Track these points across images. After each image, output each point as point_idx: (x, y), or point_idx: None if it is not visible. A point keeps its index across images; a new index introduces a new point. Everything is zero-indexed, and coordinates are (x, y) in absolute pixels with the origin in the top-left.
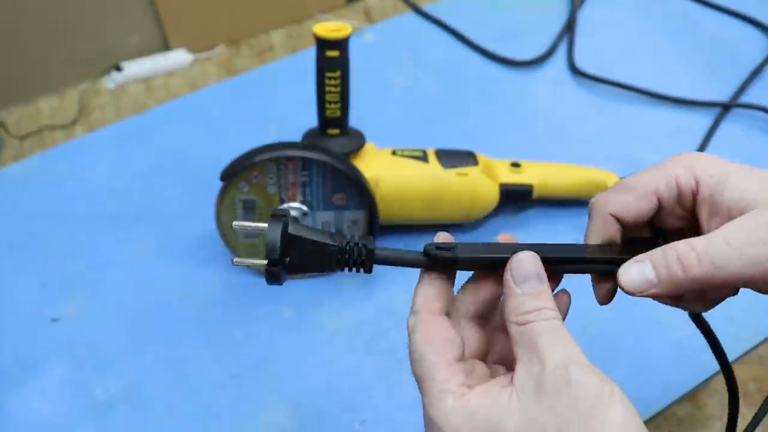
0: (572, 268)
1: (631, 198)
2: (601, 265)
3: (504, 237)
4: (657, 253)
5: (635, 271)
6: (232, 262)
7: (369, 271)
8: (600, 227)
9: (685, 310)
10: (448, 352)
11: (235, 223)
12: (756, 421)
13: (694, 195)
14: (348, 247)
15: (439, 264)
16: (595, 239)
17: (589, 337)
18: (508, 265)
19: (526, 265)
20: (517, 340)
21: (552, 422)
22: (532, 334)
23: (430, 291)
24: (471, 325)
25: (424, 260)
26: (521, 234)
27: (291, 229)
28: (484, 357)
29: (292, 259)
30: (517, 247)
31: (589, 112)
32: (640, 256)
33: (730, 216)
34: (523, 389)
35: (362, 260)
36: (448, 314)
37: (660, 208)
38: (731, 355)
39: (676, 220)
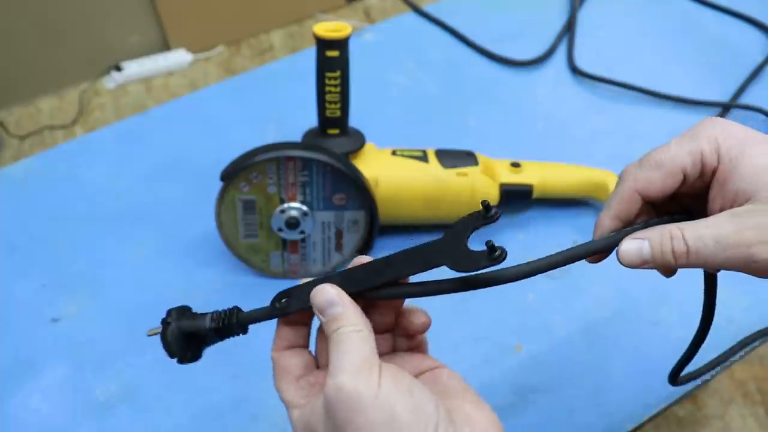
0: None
1: (659, 175)
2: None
3: (360, 260)
4: (656, 234)
5: (634, 246)
6: (147, 333)
7: (245, 332)
8: (623, 204)
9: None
10: (289, 373)
11: (148, 330)
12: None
13: (714, 173)
14: (222, 322)
15: (281, 313)
16: (615, 212)
17: (589, 337)
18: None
19: (318, 298)
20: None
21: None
22: (331, 347)
23: (279, 332)
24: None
25: (270, 311)
26: (522, 234)
27: (168, 335)
28: None
29: (190, 346)
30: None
31: (589, 112)
32: (641, 233)
33: (733, 201)
34: (325, 396)
35: (235, 324)
36: (304, 343)
37: (683, 183)
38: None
39: (690, 190)
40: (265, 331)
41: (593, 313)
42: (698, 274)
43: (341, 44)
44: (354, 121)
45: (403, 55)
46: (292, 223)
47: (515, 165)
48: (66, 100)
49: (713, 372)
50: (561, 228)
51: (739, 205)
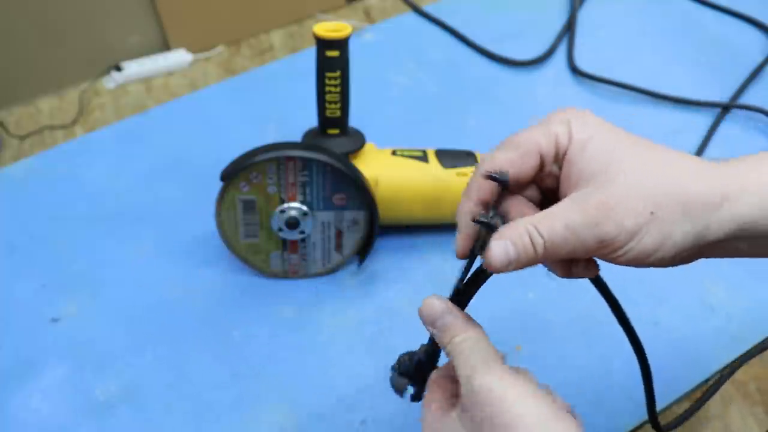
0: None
1: (516, 156)
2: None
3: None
4: (515, 233)
5: (501, 249)
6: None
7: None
8: (481, 185)
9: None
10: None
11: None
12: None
13: (565, 154)
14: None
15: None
16: (475, 196)
17: (589, 337)
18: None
19: (425, 311)
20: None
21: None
22: (454, 360)
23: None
24: None
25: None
26: None
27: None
28: None
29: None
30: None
31: None
32: (498, 233)
33: (576, 184)
34: (462, 407)
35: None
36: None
37: (541, 167)
38: (732, 354)
39: (551, 180)
40: (265, 331)
41: (593, 313)
42: (698, 275)
43: (341, 44)
44: (354, 121)
45: (403, 55)
46: (292, 223)
47: None
48: (66, 100)
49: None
50: None
51: (584, 188)
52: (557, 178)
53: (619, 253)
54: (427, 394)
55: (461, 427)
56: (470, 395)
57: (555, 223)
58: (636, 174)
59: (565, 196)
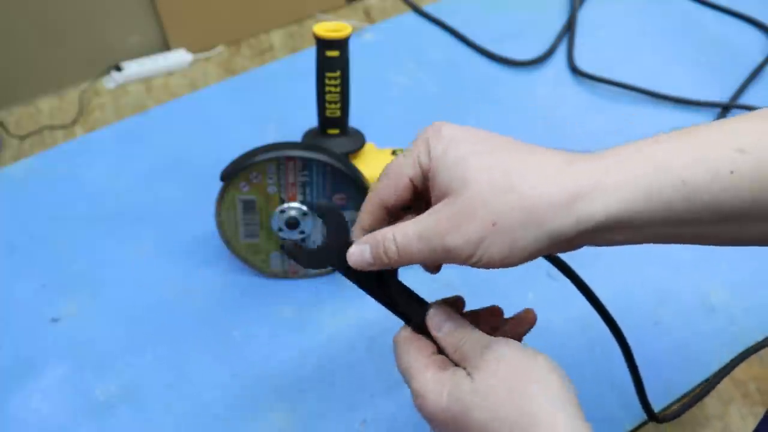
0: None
1: (390, 184)
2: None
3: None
4: (374, 239)
5: (357, 251)
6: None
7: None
8: (370, 214)
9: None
10: (425, 349)
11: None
12: None
13: (428, 173)
14: None
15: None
16: (366, 225)
17: (589, 338)
18: (427, 320)
19: (435, 319)
20: (456, 360)
21: (494, 392)
22: (462, 351)
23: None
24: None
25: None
26: None
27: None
28: None
29: None
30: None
31: (589, 112)
32: (364, 238)
33: (438, 198)
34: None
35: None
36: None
37: (416, 188)
38: (732, 354)
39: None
40: (265, 331)
41: (593, 313)
42: (699, 275)
43: (341, 44)
44: (354, 121)
45: (403, 55)
46: (292, 223)
47: None
48: (66, 100)
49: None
50: None
51: (442, 201)
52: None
53: (469, 262)
54: (409, 353)
55: (474, 387)
56: (492, 360)
57: (409, 232)
58: (481, 185)
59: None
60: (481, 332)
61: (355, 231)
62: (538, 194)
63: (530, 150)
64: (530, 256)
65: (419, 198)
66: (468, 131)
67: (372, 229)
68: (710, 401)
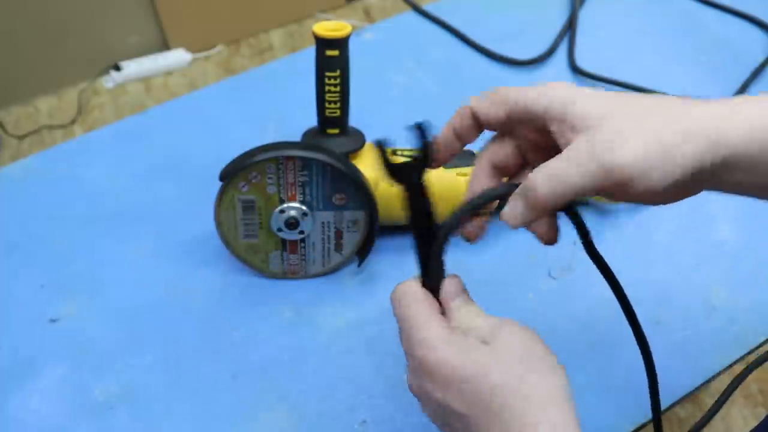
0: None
1: (488, 103)
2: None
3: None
4: (521, 187)
5: (507, 209)
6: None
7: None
8: (457, 119)
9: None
10: (430, 305)
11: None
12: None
13: (545, 115)
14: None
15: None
16: (449, 127)
17: (589, 338)
18: (441, 289)
19: (451, 288)
20: (462, 327)
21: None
22: (467, 330)
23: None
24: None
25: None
26: (521, 234)
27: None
28: None
29: None
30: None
31: None
32: (513, 195)
33: (578, 132)
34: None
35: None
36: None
37: (510, 121)
38: (734, 355)
39: (535, 152)
40: (265, 331)
41: (593, 313)
42: (700, 275)
43: (341, 44)
44: (354, 120)
45: (403, 54)
46: (292, 223)
47: None
48: (65, 100)
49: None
50: (561, 228)
51: (584, 133)
52: (539, 144)
53: (627, 183)
54: (416, 303)
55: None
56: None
57: (558, 163)
58: (632, 110)
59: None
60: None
61: (442, 131)
62: (691, 116)
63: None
64: (679, 182)
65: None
66: (576, 87)
67: (457, 130)
68: (711, 402)
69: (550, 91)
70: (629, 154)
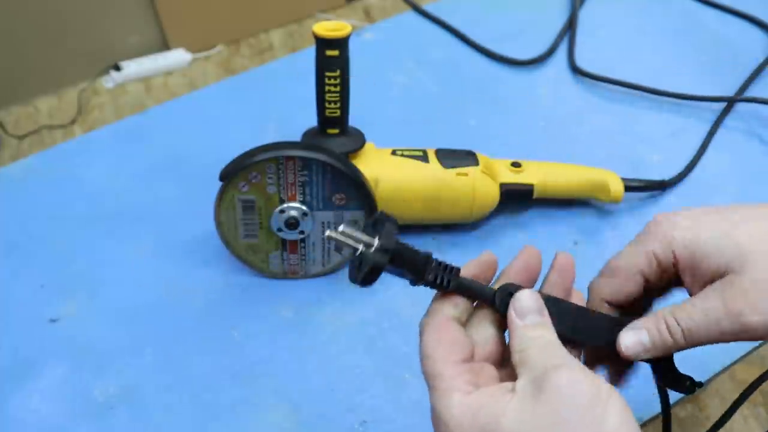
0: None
1: (618, 282)
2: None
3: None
4: (650, 322)
5: (633, 338)
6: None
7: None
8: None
9: None
10: (456, 353)
11: (341, 229)
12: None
13: (675, 267)
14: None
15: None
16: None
17: None
18: (510, 302)
19: (525, 302)
20: (517, 360)
21: (548, 421)
22: (531, 353)
23: (439, 302)
24: (491, 329)
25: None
26: (521, 234)
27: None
28: (500, 361)
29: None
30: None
31: (589, 112)
32: (636, 323)
33: (710, 280)
34: (524, 391)
35: (447, 279)
36: (462, 322)
37: (647, 281)
38: (733, 355)
39: (662, 284)
40: (265, 331)
41: None
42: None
43: (341, 44)
44: (354, 121)
45: (403, 54)
46: (292, 223)
47: (516, 165)
48: (65, 100)
49: None
50: (562, 228)
51: (718, 281)
52: (668, 282)
53: (759, 337)
54: (437, 351)
55: (532, 411)
56: (555, 385)
57: (693, 312)
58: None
59: (694, 293)
60: (558, 342)
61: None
62: None
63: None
64: None
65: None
66: (697, 211)
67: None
68: (711, 402)
69: (673, 242)
70: (765, 315)
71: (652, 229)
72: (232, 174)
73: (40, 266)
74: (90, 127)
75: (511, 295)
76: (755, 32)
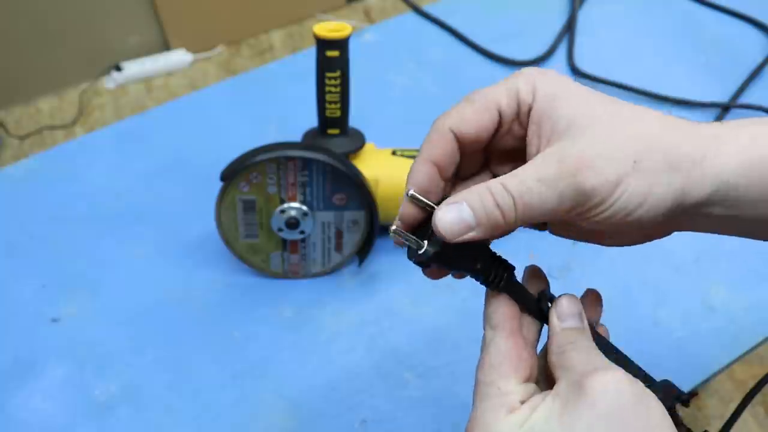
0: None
1: (471, 110)
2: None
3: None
4: (473, 195)
5: (452, 213)
6: (391, 232)
7: (497, 288)
8: (436, 142)
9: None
10: (522, 370)
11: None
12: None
13: (528, 114)
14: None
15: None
16: (427, 155)
17: None
18: (552, 306)
19: (567, 306)
20: (555, 362)
21: (598, 422)
22: (572, 356)
23: (510, 309)
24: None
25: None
26: (521, 234)
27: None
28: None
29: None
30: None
31: None
32: (454, 196)
33: (549, 140)
34: (566, 395)
35: (501, 279)
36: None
37: (500, 125)
38: (733, 355)
39: (512, 139)
40: (265, 331)
41: None
42: (699, 275)
43: (341, 44)
44: (354, 121)
45: (403, 55)
46: (292, 223)
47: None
48: (66, 100)
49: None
50: None
51: (556, 143)
52: (517, 139)
53: (600, 209)
54: (501, 364)
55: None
56: (596, 389)
57: (526, 178)
58: (614, 124)
59: (533, 156)
60: (596, 346)
61: (414, 166)
62: (676, 142)
63: (636, 105)
64: (656, 215)
65: (472, 154)
66: (572, 80)
67: (439, 162)
68: (711, 401)
69: (537, 84)
70: (603, 177)
71: (523, 71)
72: (232, 174)
73: (42, 266)
74: (91, 127)
75: (552, 300)
76: (754, 33)
